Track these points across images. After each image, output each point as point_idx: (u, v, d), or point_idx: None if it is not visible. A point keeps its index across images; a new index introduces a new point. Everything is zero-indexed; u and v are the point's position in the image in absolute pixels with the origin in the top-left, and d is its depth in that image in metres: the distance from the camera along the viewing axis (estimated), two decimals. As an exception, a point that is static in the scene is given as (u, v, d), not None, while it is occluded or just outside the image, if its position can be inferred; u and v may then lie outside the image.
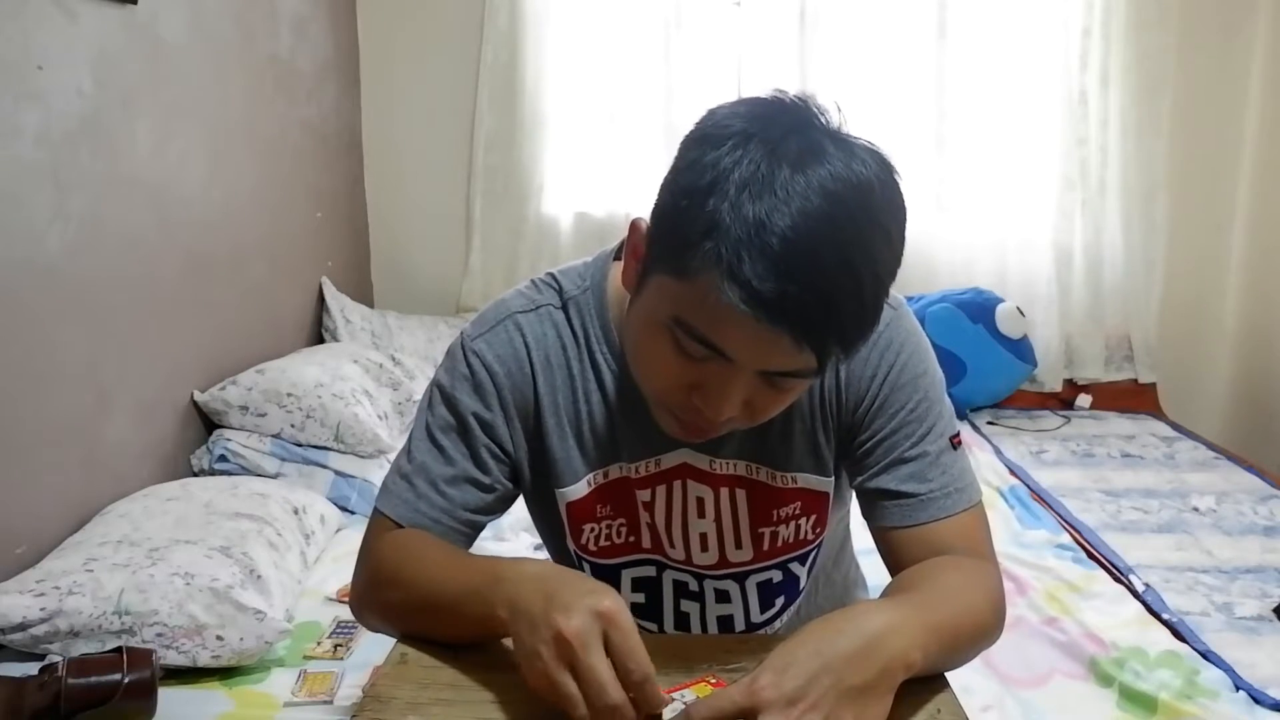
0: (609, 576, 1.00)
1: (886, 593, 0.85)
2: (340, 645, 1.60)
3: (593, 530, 0.98)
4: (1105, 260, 3.15)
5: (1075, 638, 1.67)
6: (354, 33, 3.13)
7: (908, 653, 0.72)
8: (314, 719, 1.42)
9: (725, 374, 0.77)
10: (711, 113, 0.79)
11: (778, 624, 1.04)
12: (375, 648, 1.57)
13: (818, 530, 0.99)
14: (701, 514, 0.97)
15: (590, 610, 0.69)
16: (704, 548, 0.98)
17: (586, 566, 1.00)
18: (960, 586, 0.84)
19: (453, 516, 0.93)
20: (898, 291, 0.96)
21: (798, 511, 0.97)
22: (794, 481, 0.96)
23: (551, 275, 0.98)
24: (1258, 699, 1.49)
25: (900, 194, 0.77)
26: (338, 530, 2.06)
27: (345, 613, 1.72)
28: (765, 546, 0.98)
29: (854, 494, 0.99)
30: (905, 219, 0.77)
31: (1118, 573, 1.94)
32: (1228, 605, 1.81)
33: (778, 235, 0.70)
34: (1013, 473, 2.54)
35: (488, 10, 3.08)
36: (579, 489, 0.96)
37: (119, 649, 1.37)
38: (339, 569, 1.89)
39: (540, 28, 3.09)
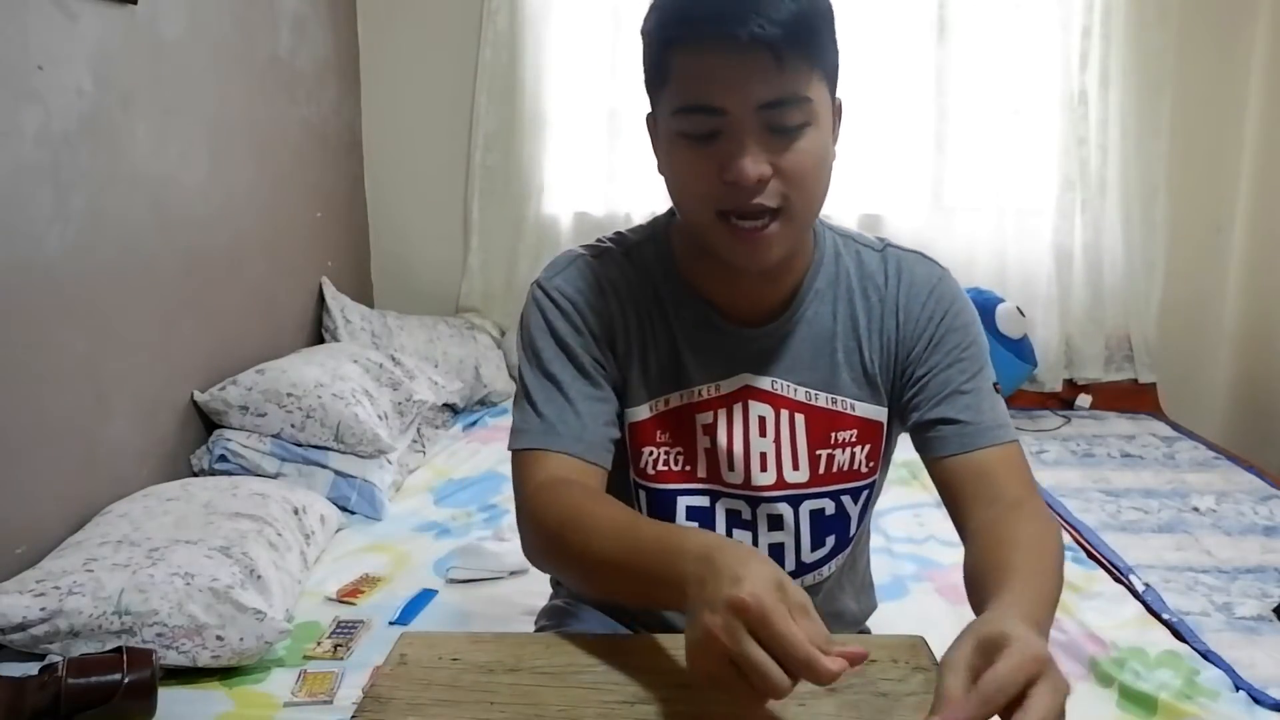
0: (666, 503, 1.04)
1: (984, 583, 0.82)
2: (340, 645, 1.60)
3: (651, 454, 1.03)
4: (1105, 260, 3.15)
5: (1075, 638, 1.67)
6: (354, 33, 3.13)
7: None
8: (314, 719, 1.43)
9: (732, 134, 0.86)
10: None
11: (825, 570, 1.06)
12: (375, 648, 1.57)
13: (871, 464, 1.04)
14: (763, 433, 1.01)
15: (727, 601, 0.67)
16: (763, 467, 1.02)
17: (643, 494, 1.04)
18: (1043, 565, 0.85)
19: (592, 432, 0.97)
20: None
21: (854, 439, 1.03)
22: (852, 409, 1.02)
23: (615, 232, 1.08)
24: (1258, 699, 1.49)
25: None
26: (338, 530, 2.06)
27: (345, 613, 1.72)
28: (821, 470, 1.03)
29: (888, 471, 1.08)
30: None
31: (1118, 573, 1.94)
32: (1228, 605, 1.81)
33: None
34: (1013, 473, 2.53)
35: (487, 10, 3.08)
36: (642, 411, 1.02)
37: (119, 649, 1.37)
38: (339, 569, 1.89)
39: (539, 28, 3.09)
